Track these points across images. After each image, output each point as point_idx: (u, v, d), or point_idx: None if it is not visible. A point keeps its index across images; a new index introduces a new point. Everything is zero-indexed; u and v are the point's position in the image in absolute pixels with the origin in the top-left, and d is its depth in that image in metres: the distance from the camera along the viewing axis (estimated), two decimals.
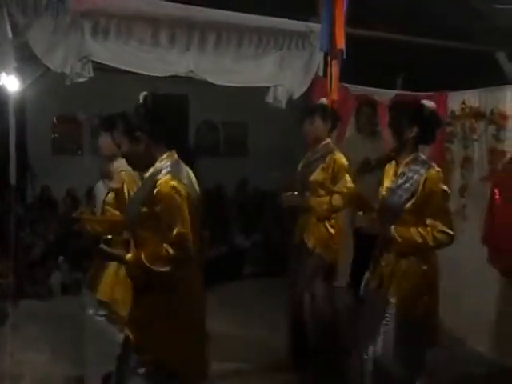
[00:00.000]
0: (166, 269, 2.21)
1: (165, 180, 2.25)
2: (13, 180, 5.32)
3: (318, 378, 3.85)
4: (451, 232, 2.79)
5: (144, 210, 2.27)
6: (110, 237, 2.38)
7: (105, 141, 3.47)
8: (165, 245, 2.21)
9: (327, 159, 3.88)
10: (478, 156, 4.65)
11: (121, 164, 3.35)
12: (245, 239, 7.11)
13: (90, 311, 3.37)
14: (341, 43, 4.11)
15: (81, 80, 4.26)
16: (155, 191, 2.24)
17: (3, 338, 4.48)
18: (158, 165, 2.34)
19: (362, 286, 3.05)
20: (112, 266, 3.12)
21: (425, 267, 2.85)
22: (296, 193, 3.98)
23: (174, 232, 2.21)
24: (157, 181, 2.26)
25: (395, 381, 2.85)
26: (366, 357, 2.92)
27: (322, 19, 4.32)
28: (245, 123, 8.67)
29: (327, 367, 3.82)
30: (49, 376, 3.92)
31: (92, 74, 4.26)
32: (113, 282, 3.24)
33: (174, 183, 2.25)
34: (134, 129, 2.33)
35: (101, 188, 3.45)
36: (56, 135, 8.04)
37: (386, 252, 2.90)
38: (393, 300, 2.83)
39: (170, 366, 2.33)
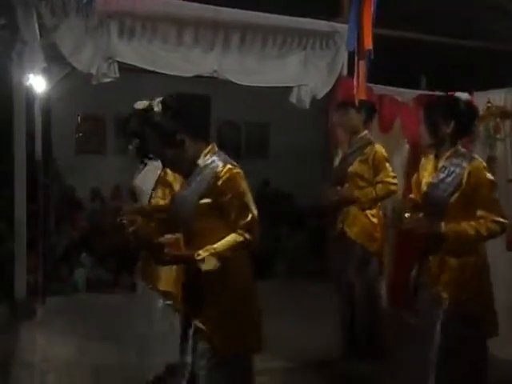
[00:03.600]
0: (240, 254, 2.29)
1: (228, 169, 2.28)
2: (40, 179, 5.43)
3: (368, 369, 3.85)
4: (504, 220, 2.76)
5: (205, 201, 2.29)
6: (169, 236, 2.35)
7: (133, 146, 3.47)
8: (239, 231, 2.27)
9: (366, 151, 3.90)
10: (502, 156, 4.59)
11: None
12: (266, 240, 7.14)
13: (159, 304, 3.34)
14: (369, 43, 4.08)
15: (106, 80, 4.32)
16: (220, 182, 2.27)
17: (31, 333, 4.55)
18: (205, 158, 2.36)
19: (410, 284, 3.04)
20: None
21: (475, 259, 2.83)
22: (339, 187, 3.97)
23: (249, 217, 2.28)
24: (218, 172, 2.28)
25: (453, 378, 2.83)
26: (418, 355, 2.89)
27: (349, 18, 4.30)
28: (267, 123, 8.69)
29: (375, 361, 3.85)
30: (75, 370, 3.97)
31: (118, 75, 4.32)
32: (173, 272, 3.21)
33: (237, 170, 2.30)
34: (174, 133, 2.31)
35: (144, 182, 3.40)
36: (80, 134, 8.14)
37: (434, 248, 2.87)
38: (444, 294, 2.80)
39: (239, 351, 2.39)
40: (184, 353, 2.47)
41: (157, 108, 2.33)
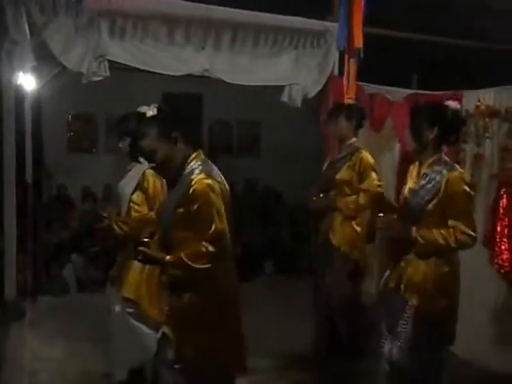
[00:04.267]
0: (206, 266, 2.28)
1: (199, 178, 2.30)
2: (29, 178, 5.40)
3: (339, 377, 3.88)
4: (474, 234, 2.76)
5: (180, 210, 2.32)
6: (147, 239, 2.41)
7: (126, 144, 3.44)
8: (204, 242, 2.27)
9: (353, 158, 3.90)
10: (489, 154, 4.63)
11: (143, 162, 3.39)
12: (256, 238, 7.14)
13: (117, 308, 3.39)
14: (358, 42, 4.11)
15: (97, 79, 4.29)
16: (190, 191, 2.29)
17: (21, 334, 4.53)
18: (189, 166, 2.38)
19: (381, 285, 3.05)
20: (136, 264, 3.14)
21: (446, 269, 2.82)
22: (321, 195, 3.99)
23: (212, 229, 2.27)
24: (191, 180, 2.31)
25: (411, 381, 2.85)
26: (383, 357, 2.91)
27: (339, 17, 4.31)
28: (258, 122, 8.70)
29: (350, 367, 3.86)
30: (66, 371, 3.95)
31: (108, 73, 4.29)
32: (138, 280, 3.29)
33: (208, 181, 2.30)
34: (170, 130, 2.37)
35: (126, 186, 3.45)
36: (71, 133, 8.11)
37: (406, 253, 2.88)
38: (413, 301, 2.81)
39: (209, 360, 2.37)
40: (156, 358, 2.49)
41: (155, 110, 2.42)
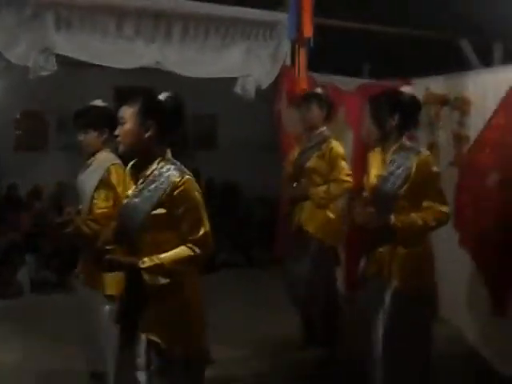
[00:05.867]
0: (188, 268, 2.23)
1: (186, 179, 2.25)
2: None
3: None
4: (448, 210, 2.92)
5: (158, 212, 2.23)
6: (110, 247, 2.30)
7: (88, 138, 3.34)
8: (190, 245, 2.21)
9: (323, 147, 3.95)
10: (443, 142, 4.73)
11: (104, 157, 3.31)
12: (215, 231, 7.10)
13: (107, 307, 3.19)
14: (308, 31, 4.15)
15: (44, 74, 4.15)
16: (176, 192, 2.22)
17: None
18: (159, 165, 2.30)
19: (359, 273, 3.11)
20: None
21: (422, 249, 2.96)
22: (294, 184, 4.02)
23: (201, 232, 2.23)
24: (175, 182, 2.23)
25: (401, 364, 2.91)
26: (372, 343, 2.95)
27: (289, 7, 4.33)
28: (214, 115, 8.64)
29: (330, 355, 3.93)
30: (22, 375, 3.84)
31: (56, 67, 4.16)
32: (118, 276, 3.15)
33: (195, 185, 2.27)
34: (148, 116, 2.30)
35: (87, 181, 3.30)
36: (20, 131, 7.86)
37: (384, 239, 2.94)
38: (395, 283, 2.90)
39: (188, 356, 2.32)
40: (121, 359, 2.40)
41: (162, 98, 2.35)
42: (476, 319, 4.19)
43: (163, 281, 2.20)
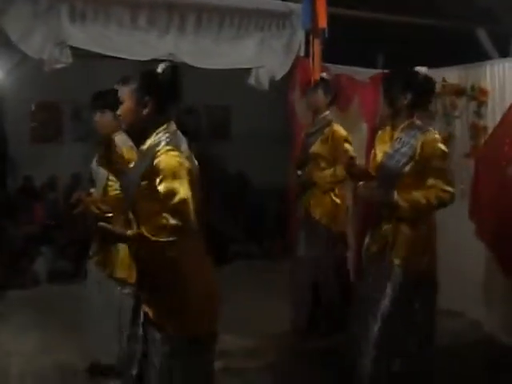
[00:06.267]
0: (169, 239, 2.16)
1: (165, 150, 2.23)
2: None
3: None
4: (452, 190, 2.90)
5: (144, 182, 2.25)
6: (110, 215, 2.34)
7: (104, 118, 3.42)
8: (164, 214, 2.17)
9: (326, 131, 3.98)
10: (459, 133, 4.69)
11: (120, 140, 3.35)
12: (228, 222, 7.13)
13: (125, 290, 3.29)
14: (323, 22, 4.13)
15: (59, 66, 4.18)
16: (155, 162, 2.22)
17: None
18: (156, 137, 2.31)
19: (363, 250, 3.12)
20: (122, 246, 3.08)
21: (424, 228, 2.96)
22: (299, 172, 4.06)
23: (175, 199, 2.17)
24: (157, 152, 2.24)
25: (403, 343, 2.92)
26: (371, 320, 2.95)
27: None
28: (227, 106, 8.63)
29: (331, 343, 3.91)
30: (38, 364, 3.90)
31: (71, 60, 4.18)
32: (125, 258, 3.19)
33: (173, 153, 2.23)
34: (144, 93, 2.31)
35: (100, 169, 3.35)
36: (35, 123, 7.92)
37: (386, 217, 2.96)
38: (396, 261, 2.91)
39: (187, 334, 2.32)
40: (133, 340, 2.42)
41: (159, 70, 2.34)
42: (494, 311, 4.19)
43: (145, 251, 2.23)
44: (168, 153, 2.23)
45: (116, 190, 3.24)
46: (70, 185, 7.35)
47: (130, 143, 3.27)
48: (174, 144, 2.27)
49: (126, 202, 2.43)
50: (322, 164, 3.98)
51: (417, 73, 2.96)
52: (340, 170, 3.91)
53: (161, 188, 2.20)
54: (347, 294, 4.01)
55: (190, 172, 2.26)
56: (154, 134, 2.32)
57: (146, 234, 2.17)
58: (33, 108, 7.87)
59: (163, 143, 2.27)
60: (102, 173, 3.33)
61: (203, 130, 8.71)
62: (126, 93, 2.35)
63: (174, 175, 2.20)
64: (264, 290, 5.15)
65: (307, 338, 4.10)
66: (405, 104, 2.94)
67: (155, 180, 2.21)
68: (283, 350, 4.05)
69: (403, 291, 2.91)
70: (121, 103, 2.37)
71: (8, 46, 4.11)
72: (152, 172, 2.23)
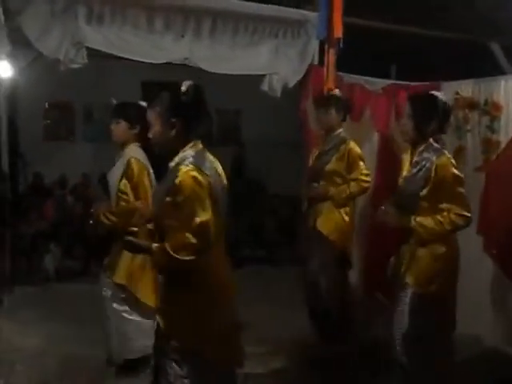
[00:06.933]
0: (189, 258, 2.24)
1: (185, 170, 2.27)
2: (5, 167, 5.31)
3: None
4: (468, 214, 2.89)
5: (168, 199, 2.30)
6: (135, 229, 2.42)
7: (118, 128, 3.49)
8: (187, 234, 2.23)
9: (341, 149, 4.03)
10: (471, 146, 4.67)
11: (131, 150, 3.43)
12: (238, 227, 7.13)
13: (109, 293, 3.41)
14: (338, 31, 4.13)
15: (75, 66, 4.21)
16: (176, 181, 2.27)
17: None
18: (181, 155, 2.36)
19: (388, 271, 3.16)
20: (129, 254, 3.17)
21: (443, 249, 2.94)
22: (316, 184, 4.10)
23: (196, 221, 2.24)
24: (178, 171, 2.29)
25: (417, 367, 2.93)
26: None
27: (319, 7, 4.31)
28: (239, 111, 8.66)
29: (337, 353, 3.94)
30: (46, 359, 3.91)
31: (86, 60, 4.21)
32: (130, 265, 3.32)
33: (194, 173, 2.27)
34: (170, 114, 2.35)
35: (112, 175, 3.47)
36: (48, 121, 7.98)
37: (405, 239, 3.00)
38: (408, 280, 2.93)
39: (201, 352, 2.35)
40: (155, 349, 2.49)
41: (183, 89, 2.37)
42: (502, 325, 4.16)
43: (168, 266, 2.30)
44: (188, 173, 2.27)
45: (126, 201, 3.32)
46: (79, 184, 7.40)
47: (140, 155, 3.39)
48: (196, 163, 2.31)
49: (153, 217, 2.54)
50: (337, 180, 4.04)
51: (442, 99, 3.00)
52: (353, 187, 3.99)
53: (181, 209, 2.26)
54: (348, 307, 4.10)
55: (210, 190, 2.31)
56: (182, 151, 2.38)
57: (168, 249, 2.24)
58: (46, 106, 7.94)
59: (187, 161, 2.32)
60: (113, 182, 3.42)
61: (214, 134, 8.73)
62: (153, 116, 2.40)
63: (194, 196, 2.26)
64: (271, 296, 5.14)
65: (312, 346, 4.14)
66: (431, 130, 2.97)
67: (177, 198, 2.27)
68: (290, 356, 4.04)
69: (414, 315, 2.91)
70: (151, 127, 2.43)
71: (22, 44, 4.15)
72: (174, 190, 2.28)
